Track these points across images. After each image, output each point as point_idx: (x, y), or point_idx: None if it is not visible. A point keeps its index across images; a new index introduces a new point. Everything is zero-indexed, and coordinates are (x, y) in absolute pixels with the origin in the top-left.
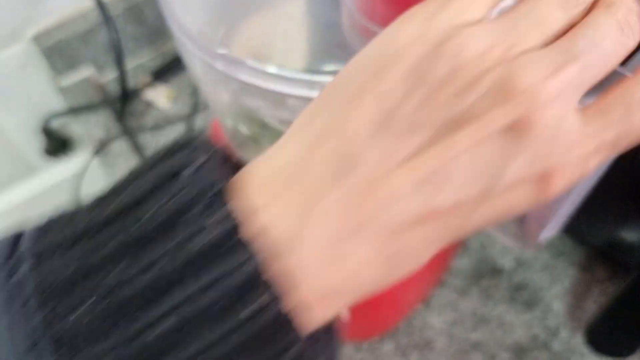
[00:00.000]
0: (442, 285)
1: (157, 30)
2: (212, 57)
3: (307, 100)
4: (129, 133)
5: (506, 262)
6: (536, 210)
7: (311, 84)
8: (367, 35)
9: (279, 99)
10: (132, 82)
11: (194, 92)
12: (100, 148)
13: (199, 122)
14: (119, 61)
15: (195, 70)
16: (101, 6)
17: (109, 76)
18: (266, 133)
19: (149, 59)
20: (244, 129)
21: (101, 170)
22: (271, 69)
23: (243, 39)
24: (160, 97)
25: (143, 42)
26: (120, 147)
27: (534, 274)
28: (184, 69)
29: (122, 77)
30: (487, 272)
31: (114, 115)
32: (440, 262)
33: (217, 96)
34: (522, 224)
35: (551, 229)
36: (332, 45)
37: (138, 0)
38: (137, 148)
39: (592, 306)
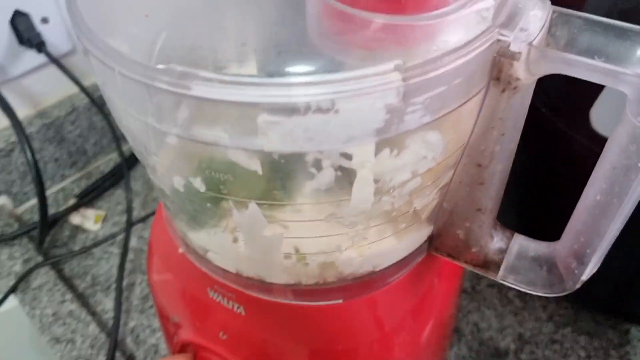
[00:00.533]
0: None
1: (79, 148)
2: (152, 77)
3: (284, 113)
4: (53, 262)
5: (508, 343)
6: (574, 249)
7: (289, 88)
8: (336, 21)
9: (247, 117)
10: (54, 207)
11: (128, 207)
12: (18, 283)
13: (134, 240)
14: (38, 186)
15: (128, 114)
16: (15, 124)
17: (28, 203)
18: (231, 178)
19: (73, 181)
20: (200, 185)
21: (23, 310)
22: (233, 76)
23: (177, 50)
24: (87, 220)
25: (65, 163)
26: (43, 280)
27: (543, 351)
28: (113, 186)
29: (43, 204)
30: (490, 357)
31: (34, 246)
32: (435, 357)
33: (160, 141)
34: (551, 269)
35: (594, 265)
36: (292, 40)
37: (56, 115)
38: (64, 278)
39: None
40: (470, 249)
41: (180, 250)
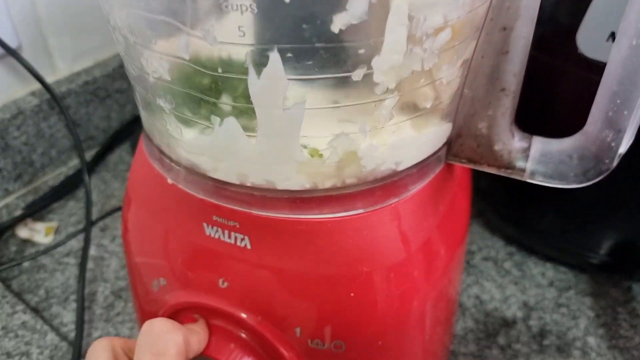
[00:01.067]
0: (454, 357)
1: (25, 159)
2: None
3: None
4: None
5: (515, 311)
6: (609, 117)
7: None
8: None
9: None
10: None
11: (87, 202)
12: None
13: (93, 248)
14: None
15: None
16: None
17: None
18: (252, 14)
19: (19, 196)
20: (213, 38)
21: None
22: None
23: None
24: (37, 233)
25: (9, 175)
26: None
27: (552, 315)
28: (64, 197)
29: None
30: (499, 327)
31: None
32: (441, 333)
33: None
34: (583, 155)
35: (632, 132)
36: None
37: (2, 118)
38: (13, 293)
39: (631, 331)
40: (492, 146)
41: (170, 180)
